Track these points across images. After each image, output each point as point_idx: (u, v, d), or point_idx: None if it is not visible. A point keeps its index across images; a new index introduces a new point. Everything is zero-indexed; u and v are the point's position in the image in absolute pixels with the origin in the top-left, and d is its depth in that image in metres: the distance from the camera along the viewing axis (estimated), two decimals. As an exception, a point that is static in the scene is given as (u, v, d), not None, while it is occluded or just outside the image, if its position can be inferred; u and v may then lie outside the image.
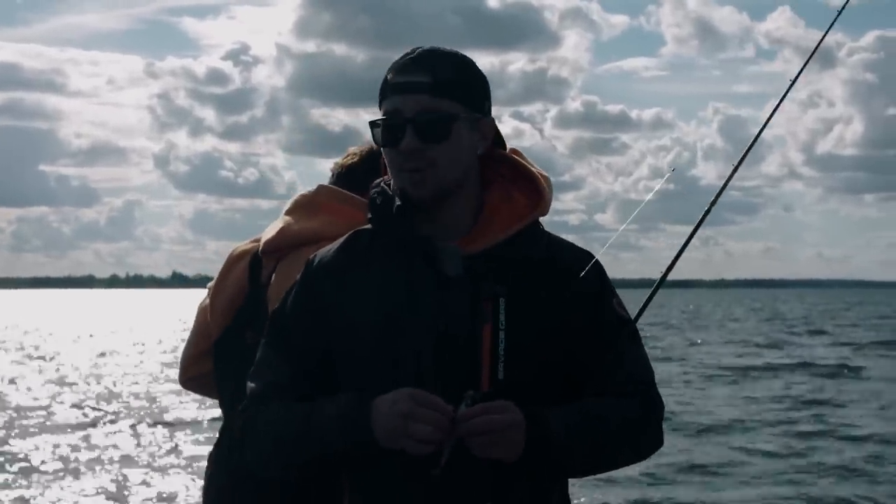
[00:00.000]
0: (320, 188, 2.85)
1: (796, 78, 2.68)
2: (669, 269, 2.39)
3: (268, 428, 1.94)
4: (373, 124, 1.96)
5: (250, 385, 2.01)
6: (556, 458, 1.87)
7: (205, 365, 2.91)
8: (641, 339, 2.07)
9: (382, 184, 2.03)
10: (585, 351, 1.96)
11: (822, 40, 2.89)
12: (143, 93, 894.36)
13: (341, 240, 2.06)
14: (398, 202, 1.95)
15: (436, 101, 1.91)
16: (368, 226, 2.03)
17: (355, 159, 2.89)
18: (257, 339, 2.18)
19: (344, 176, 2.86)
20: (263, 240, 2.76)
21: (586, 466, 1.96)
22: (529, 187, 2.02)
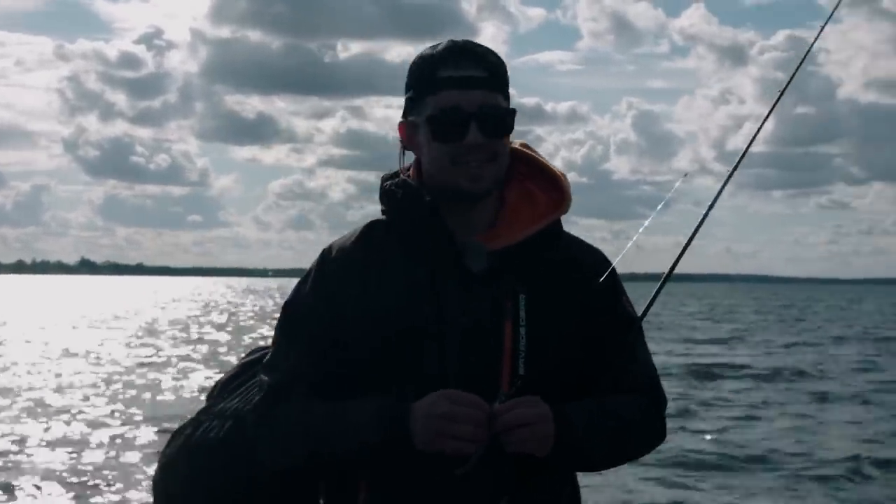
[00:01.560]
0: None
1: (788, 83, 2.71)
2: (672, 268, 2.17)
3: (293, 421, 1.91)
4: (430, 119, 1.92)
5: (265, 378, 1.98)
6: (579, 452, 1.90)
7: None
8: (644, 337, 2.11)
9: (402, 176, 2.02)
10: (600, 348, 1.99)
11: (813, 43, 2.85)
12: (53, 75, 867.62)
13: (357, 231, 2.04)
14: (427, 197, 1.94)
15: (492, 95, 1.93)
16: (382, 217, 2.03)
17: None
18: None
19: None
20: None
21: (604, 460, 1.99)
22: (549, 185, 2.02)
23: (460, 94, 1.90)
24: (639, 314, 2.05)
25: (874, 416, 15.69)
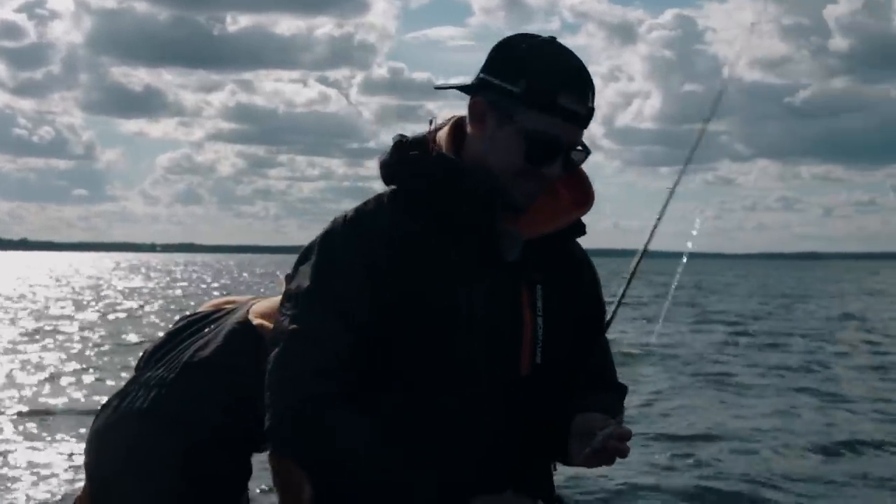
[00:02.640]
0: None
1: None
2: (645, 248, 2.58)
3: (348, 451, 1.78)
4: (530, 136, 1.87)
5: (304, 350, 1.83)
6: None
7: None
8: None
9: (434, 146, 1.95)
10: (590, 338, 2.08)
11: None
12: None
13: (380, 201, 1.95)
14: (483, 188, 1.89)
15: (581, 133, 1.92)
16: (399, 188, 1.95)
17: None
18: None
19: None
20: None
21: None
22: (573, 183, 2.01)
23: (565, 127, 1.87)
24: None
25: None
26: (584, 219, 2.04)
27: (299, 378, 1.82)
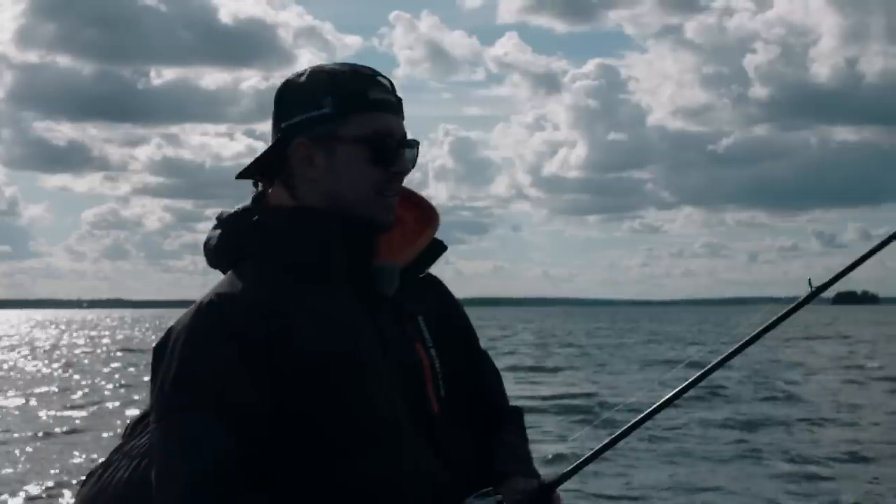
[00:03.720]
0: None
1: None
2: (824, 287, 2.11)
3: None
4: (367, 140, 1.78)
5: (181, 468, 1.61)
6: None
7: None
8: None
9: (269, 204, 1.83)
10: (472, 360, 1.99)
11: None
12: None
13: (235, 277, 1.76)
14: (344, 225, 1.78)
15: (402, 122, 1.85)
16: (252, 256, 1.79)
17: None
18: None
19: None
20: None
21: None
22: (410, 204, 1.92)
23: (392, 119, 1.80)
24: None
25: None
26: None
27: (180, 495, 1.60)
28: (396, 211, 1.87)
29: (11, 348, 46.46)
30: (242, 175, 1.88)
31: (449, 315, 1.97)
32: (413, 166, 1.87)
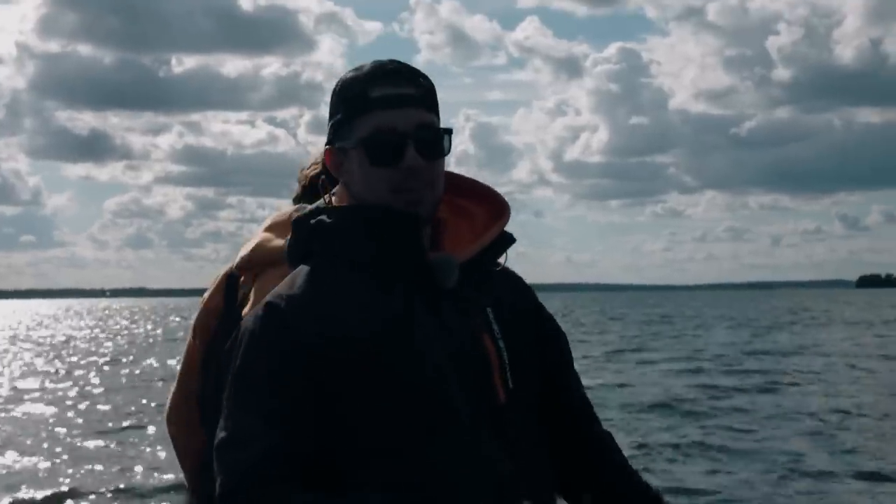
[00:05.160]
0: (297, 207, 2.55)
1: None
2: None
3: None
4: (364, 142, 1.77)
5: (229, 458, 1.66)
6: None
7: (192, 409, 2.68)
8: None
9: (324, 205, 1.87)
10: (554, 361, 1.96)
11: None
12: None
13: (296, 276, 1.80)
14: (384, 218, 1.78)
15: (427, 114, 1.80)
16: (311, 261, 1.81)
17: (318, 169, 2.75)
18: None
19: (309, 188, 2.75)
20: (238, 256, 2.63)
21: None
22: (482, 199, 1.92)
23: (396, 114, 1.76)
24: None
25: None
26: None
27: (226, 487, 1.65)
28: (465, 205, 1.92)
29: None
30: (324, 182, 1.94)
31: (527, 312, 1.95)
32: (440, 157, 1.82)
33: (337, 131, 1.84)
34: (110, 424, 15.35)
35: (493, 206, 1.93)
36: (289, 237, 1.89)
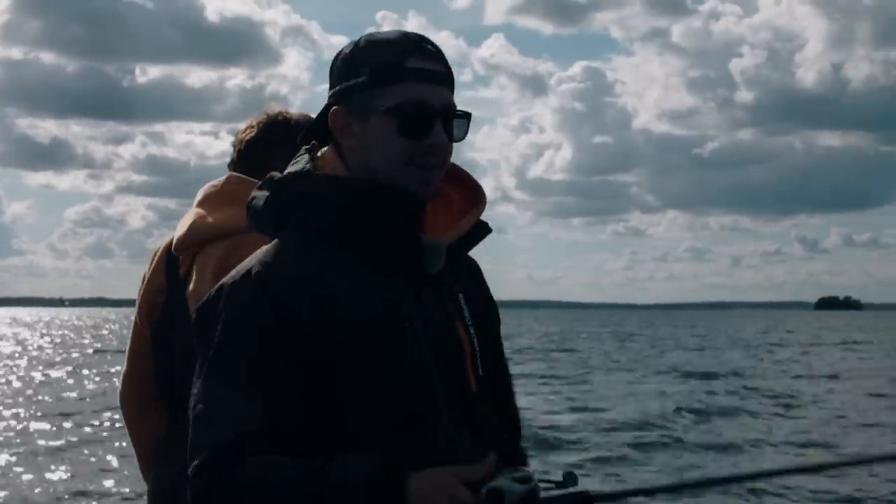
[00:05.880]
0: (230, 177, 2.63)
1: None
2: None
3: (258, 489, 1.59)
4: (395, 111, 1.73)
5: (205, 434, 1.62)
6: None
7: (145, 388, 2.65)
8: None
9: (324, 171, 1.79)
10: (499, 342, 2.00)
11: None
12: None
13: (280, 245, 1.76)
14: (386, 197, 1.74)
15: (452, 96, 1.80)
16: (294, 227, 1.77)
17: (253, 132, 2.67)
18: (183, 341, 2.07)
19: (245, 152, 2.66)
20: (175, 235, 2.58)
21: None
22: (459, 183, 1.90)
23: (428, 89, 1.75)
24: None
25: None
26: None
27: (200, 467, 1.61)
28: (441, 188, 1.85)
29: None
30: (302, 140, 1.87)
31: (482, 296, 1.96)
32: (459, 139, 1.81)
33: (353, 94, 1.79)
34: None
35: (467, 189, 1.91)
36: (261, 198, 1.82)
